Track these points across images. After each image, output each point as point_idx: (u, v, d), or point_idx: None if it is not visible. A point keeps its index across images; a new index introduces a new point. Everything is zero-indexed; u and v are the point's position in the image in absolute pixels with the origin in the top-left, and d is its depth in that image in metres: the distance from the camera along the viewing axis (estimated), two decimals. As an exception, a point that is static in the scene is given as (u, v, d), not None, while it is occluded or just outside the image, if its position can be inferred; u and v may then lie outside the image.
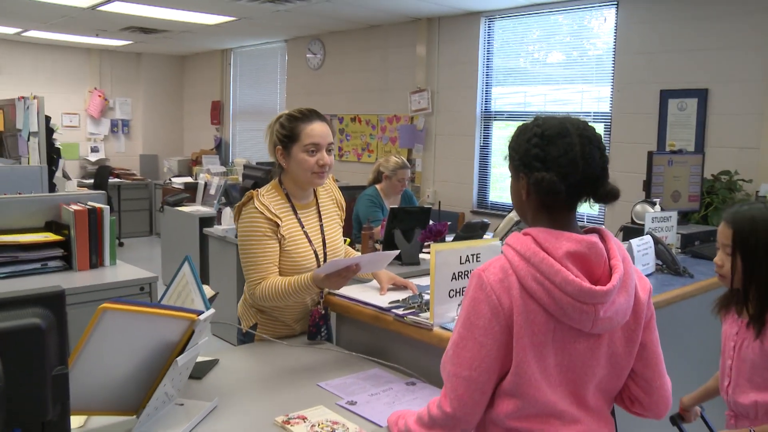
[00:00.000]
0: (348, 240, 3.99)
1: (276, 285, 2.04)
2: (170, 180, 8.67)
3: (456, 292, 1.91)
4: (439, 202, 5.55)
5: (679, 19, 4.91)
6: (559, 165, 1.30)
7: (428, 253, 2.38)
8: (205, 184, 6.37)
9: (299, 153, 2.11)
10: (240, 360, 2.09)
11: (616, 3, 5.26)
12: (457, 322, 1.37)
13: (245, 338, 2.27)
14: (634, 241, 2.66)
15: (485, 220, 3.96)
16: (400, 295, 2.20)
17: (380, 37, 7.23)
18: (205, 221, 5.69)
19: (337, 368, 1.98)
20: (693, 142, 4.82)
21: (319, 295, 2.20)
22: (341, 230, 2.35)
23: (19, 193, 3.87)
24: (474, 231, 3.71)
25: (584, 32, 5.64)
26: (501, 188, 6.35)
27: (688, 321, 2.63)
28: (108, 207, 3.25)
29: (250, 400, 1.75)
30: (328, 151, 2.15)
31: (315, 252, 2.18)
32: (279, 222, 2.10)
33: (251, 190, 2.16)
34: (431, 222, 3.78)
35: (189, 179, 8.59)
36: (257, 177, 4.71)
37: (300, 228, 2.17)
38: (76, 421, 1.53)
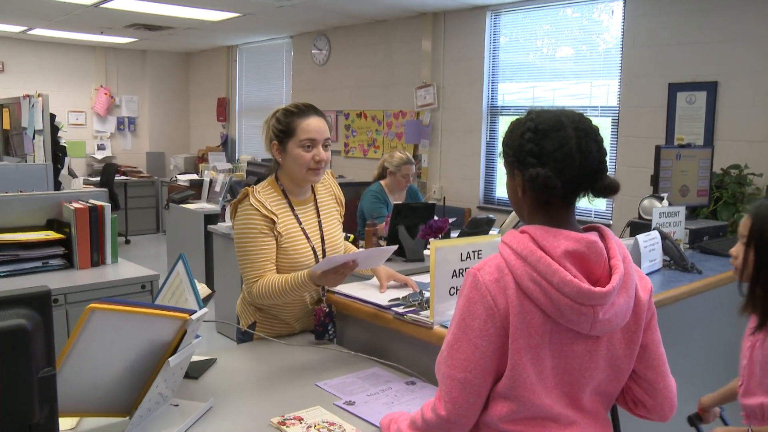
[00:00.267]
0: (352, 236, 3.97)
1: (273, 283, 2.00)
2: (176, 177, 8.67)
3: (456, 290, 1.87)
4: (445, 198, 5.50)
5: (686, 11, 4.83)
6: (555, 159, 1.25)
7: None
8: (210, 181, 6.36)
9: (295, 148, 2.07)
10: (238, 359, 2.06)
11: (623, -5, 5.20)
12: (451, 323, 1.33)
13: (244, 337, 2.24)
14: (641, 237, 2.60)
15: (491, 215, 3.92)
16: (400, 293, 2.17)
17: (386, 32, 7.18)
18: (210, 218, 5.67)
19: (336, 367, 1.95)
20: (702, 136, 4.74)
21: (321, 293, 2.15)
22: (341, 226, 2.31)
23: (21, 191, 3.87)
24: (480, 227, 3.69)
25: (592, 26, 5.57)
26: (507, 184, 6.29)
27: (696, 318, 2.58)
28: (109, 205, 3.24)
29: (247, 401, 1.72)
30: (325, 146, 2.10)
31: (313, 249, 2.14)
32: (275, 219, 2.07)
33: (246, 187, 2.12)
34: (435, 218, 3.74)
35: (195, 176, 8.59)
36: (260, 174, 4.69)
37: (297, 225, 2.13)
38: (67, 423, 1.51)
